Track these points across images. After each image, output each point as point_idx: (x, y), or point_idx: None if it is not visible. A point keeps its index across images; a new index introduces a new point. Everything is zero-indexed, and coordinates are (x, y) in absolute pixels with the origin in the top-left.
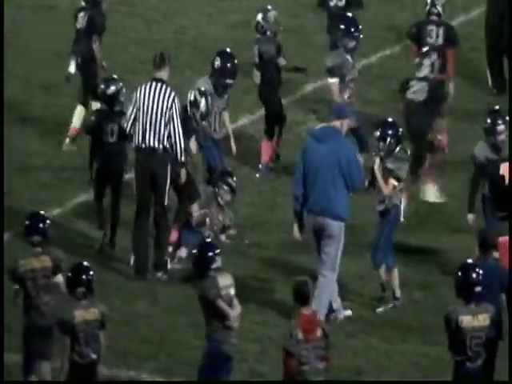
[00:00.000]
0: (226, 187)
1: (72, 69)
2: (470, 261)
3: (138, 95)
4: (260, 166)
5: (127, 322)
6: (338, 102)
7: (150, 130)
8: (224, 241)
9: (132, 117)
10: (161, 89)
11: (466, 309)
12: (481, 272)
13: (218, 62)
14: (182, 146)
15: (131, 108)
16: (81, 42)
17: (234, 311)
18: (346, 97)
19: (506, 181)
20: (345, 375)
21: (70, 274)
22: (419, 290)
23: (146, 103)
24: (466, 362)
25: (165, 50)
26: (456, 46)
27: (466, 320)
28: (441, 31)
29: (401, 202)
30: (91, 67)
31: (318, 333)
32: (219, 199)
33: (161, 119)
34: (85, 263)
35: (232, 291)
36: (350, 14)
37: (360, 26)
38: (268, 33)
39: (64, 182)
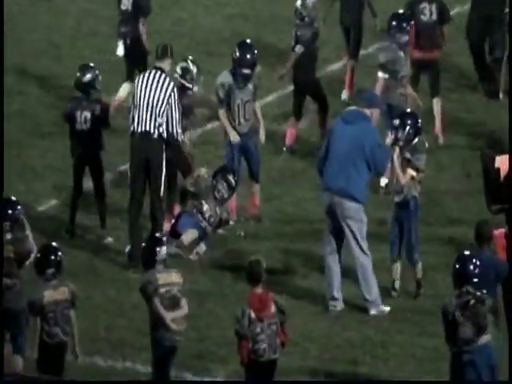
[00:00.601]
0: (224, 184)
1: (120, 51)
2: (467, 252)
3: (137, 82)
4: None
5: (123, 313)
6: (370, 91)
7: (146, 116)
8: (220, 233)
9: (132, 104)
10: (160, 77)
11: None
12: (478, 264)
13: (236, 53)
14: (179, 130)
15: (131, 96)
16: (128, 24)
17: (173, 313)
18: (399, 92)
19: (502, 174)
20: (341, 367)
21: (38, 255)
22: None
23: (144, 90)
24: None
25: (166, 41)
26: (448, 22)
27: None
28: (433, 8)
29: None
30: (140, 47)
31: (272, 309)
32: (216, 194)
33: (157, 106)
34: (53, 244)
35: (175, 290)
36: (400, 11)
37: (412, 22)
38: (306, 19)
39: (59, 173)
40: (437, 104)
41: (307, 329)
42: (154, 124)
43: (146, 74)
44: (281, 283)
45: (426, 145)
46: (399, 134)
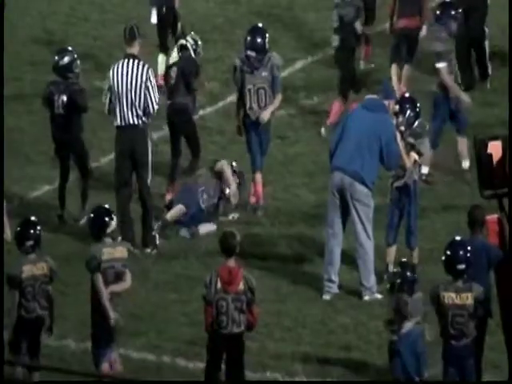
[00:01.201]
0: (236, 187)
1: (154, 19)
2: (458, 238)
3: (111, 74)
4: (328, 123)
5: None
6: (388, 84)
7: (127, 109)
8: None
9: (108, 96)
10: (133, 64)
11: (451, 286)
12: (468, 250)
13: (247, 37)
14: (155, 105)
15: (106, 88)
16: None
17: (115, 286)
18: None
19: (494, 160)
20: (334, 351)
21: (18, 229)
22: None
23: (120, 81)
24: (451, 340)
25: (135, 22)
26: None
27: (448, 296)
28: None
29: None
30: (173, 14)
31: (241, 286)
32: (232, 199)
33: (136, 96)
34: (32, 218)
35: (120, 265)
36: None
37: (460, 9)
38: None
39: (52, 160)
40: (406, 70)
41: (300, 314)
42: (137, 115)
43: (119, 66)
44: (274, 269)
45: (427, 127)
46: (399, 119)
